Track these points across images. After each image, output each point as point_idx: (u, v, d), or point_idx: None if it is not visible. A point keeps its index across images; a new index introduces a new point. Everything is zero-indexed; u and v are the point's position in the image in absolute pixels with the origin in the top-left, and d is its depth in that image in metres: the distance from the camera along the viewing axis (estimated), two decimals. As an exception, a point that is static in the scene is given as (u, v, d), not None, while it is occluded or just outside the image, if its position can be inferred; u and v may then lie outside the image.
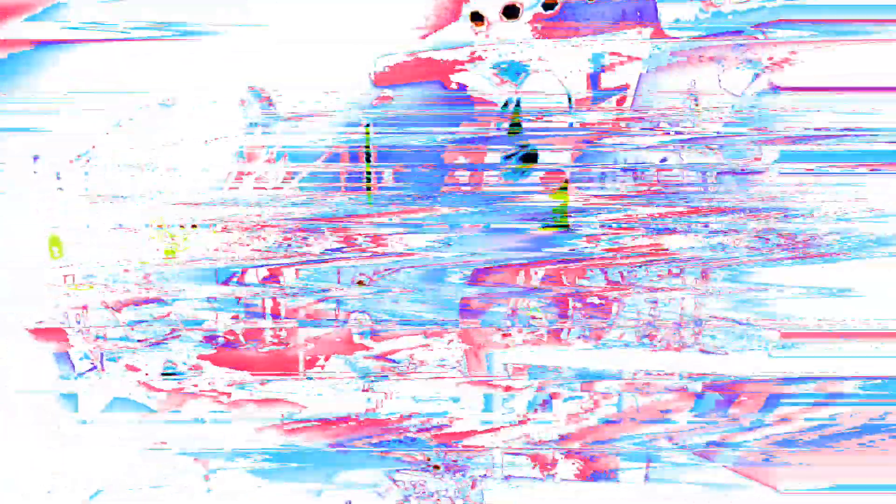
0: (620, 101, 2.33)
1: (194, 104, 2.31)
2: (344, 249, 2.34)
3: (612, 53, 2.30)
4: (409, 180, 2.33)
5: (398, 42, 2.30)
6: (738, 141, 2.30)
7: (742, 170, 2.30)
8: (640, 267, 2.33)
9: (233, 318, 2.37)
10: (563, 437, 2.37)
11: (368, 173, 2.33)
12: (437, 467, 2.38)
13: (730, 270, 2.32)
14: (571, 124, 2.31)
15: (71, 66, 2.30)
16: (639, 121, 2.31)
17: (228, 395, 2.37)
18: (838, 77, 2.27)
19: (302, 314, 2.37)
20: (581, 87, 2.32)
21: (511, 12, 2.30)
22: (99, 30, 2.29)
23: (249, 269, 2.38)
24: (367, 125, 2.33)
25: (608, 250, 2.33)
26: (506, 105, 2.32)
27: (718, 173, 2.31)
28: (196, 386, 2.37)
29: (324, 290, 2.36)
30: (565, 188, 2.33)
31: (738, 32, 2.27)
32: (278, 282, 2.37)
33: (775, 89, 2.28)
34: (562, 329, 2.36)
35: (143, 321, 2.36)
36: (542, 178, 2.33)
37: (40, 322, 2.35)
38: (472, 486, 2.38)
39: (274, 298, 2.37)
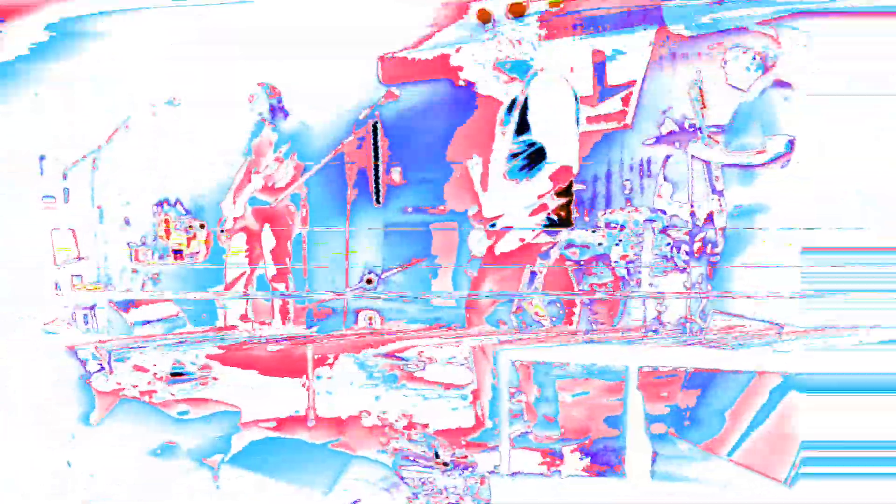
0: (627, 99, 2.34)
1: (201, 103, 2.31)
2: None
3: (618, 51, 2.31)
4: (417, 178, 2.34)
5: (406, 40, 2.31)
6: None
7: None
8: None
9: (241, 317, 2.37)
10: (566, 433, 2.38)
11: (377, 171, 2.34)
12: (445, 464, 2.38)
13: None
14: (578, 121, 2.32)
15: (79, 64, 2.29)
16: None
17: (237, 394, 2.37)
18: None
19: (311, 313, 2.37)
20: (587, 85, 2.33)
21: (517, 12, 2.31)
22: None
23: (256, 270, 2.38)
24: (375, 123, 2.33)
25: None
26: (512, 104, 2.33)
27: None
28: (205, 385, 2.37)
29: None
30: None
31: (744, 29, 2.28)
32: (286, 282, 2.37)
33: (781, 84, 2.29)
34: (567, 325, 2.36)
35: (150, 321, 2.36)
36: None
37: (48, 322, 2.34)
38: (481, 483, 2.39)
39: (283, 298, 2.38)
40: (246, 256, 2.39)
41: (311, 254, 2.36)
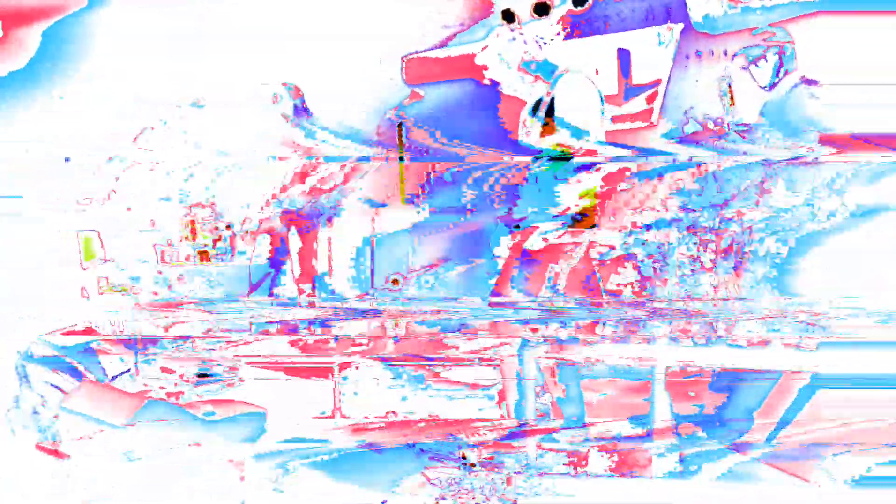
0: (651, 98, 2.33)
1: (226, 103, 2.31)
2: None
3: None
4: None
5: (429, 40, 2.31)
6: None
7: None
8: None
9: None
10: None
11: (401, 172, 2.34)
12: (472, 465, 2.38)
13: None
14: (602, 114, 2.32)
15: (104, 66, 2.30)
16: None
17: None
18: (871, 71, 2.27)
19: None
20: (612, 84, 2.32)
21: (541, 10, 2.30)
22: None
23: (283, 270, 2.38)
24: (400, 123, 2.33)
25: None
26: (537, 105, 2.32)
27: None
28: (231, 386, 2.37)
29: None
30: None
31: (767, 28, 2.28)
32: (311, 283, 2.37)
33: (809, 82, 2.29)
34: (593, 324, 2.36)
35: (177, 323, 2.36)
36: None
37: (74, 324, 2.35)
38: (507, 483, 2.38)
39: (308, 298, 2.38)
40: (269, 258, 2.39)
41: (337, 254, 2.36)
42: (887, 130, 2.28)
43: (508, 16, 2.31)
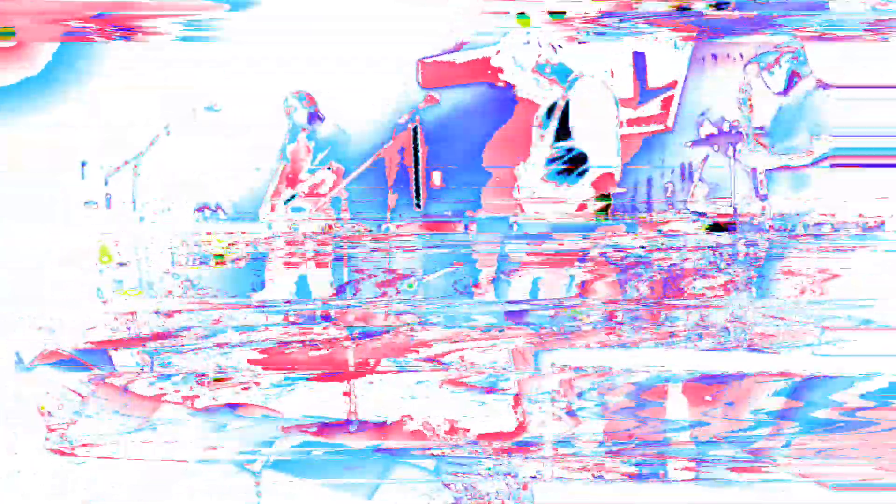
0: (667, 101, 2.33)
1: (241, 108, 2.32)
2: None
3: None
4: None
5: (445, 43, 2.31)
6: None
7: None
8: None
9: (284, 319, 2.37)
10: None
11: (417, 175, 2.34)
12: (488, 469, 2.37)
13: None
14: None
15: (118, 70, 2.31)
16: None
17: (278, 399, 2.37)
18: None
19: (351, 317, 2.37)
20: (627, 88, 2.32)
21: (557, 14, 2.31)
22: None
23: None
24: (416, 127, 2.33)
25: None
26: (551, 108, 2.32)
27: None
28: (247, 389, 2.37)
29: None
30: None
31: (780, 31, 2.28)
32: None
33: (824, 86, 2.28)
34: (608, 328, 2.35)
35: (192, 327, 2.36)
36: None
37: (91, 328, 2.35)
38: (523, 489, 2.37)
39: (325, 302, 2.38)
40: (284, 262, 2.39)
41: (351, 257, 2.36)
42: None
43: (523, 19, 2.32)
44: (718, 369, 2.34)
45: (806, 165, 2.30)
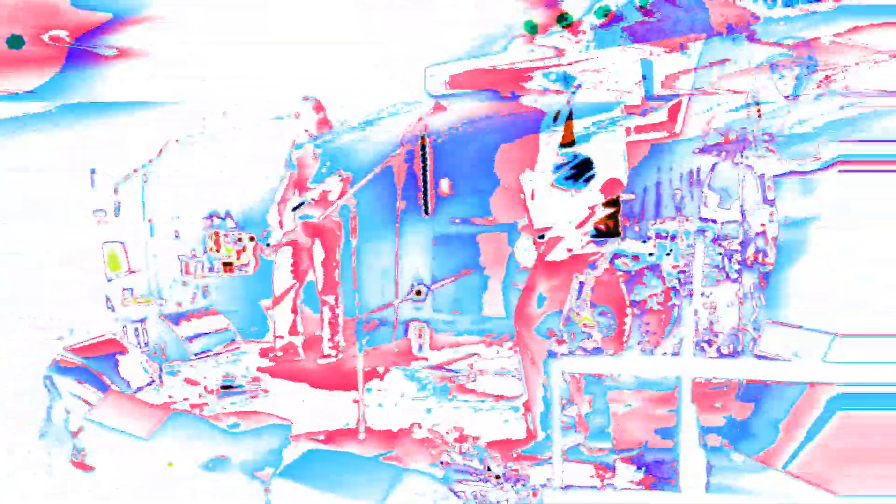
0: (675, 108, 2.33)
1: (249, 116, 2.32)
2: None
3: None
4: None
5: (453, 52, 2.31)
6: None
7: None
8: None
9: (290, 329, 2.37)
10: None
11: (425, 183, 2.34)
12: (497, 477, 2.36)
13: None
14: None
15: (129, 80, 2.31)
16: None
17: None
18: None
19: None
20: (635, 95, 2.33)
21: (564, 21, 2.31)
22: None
23: (304, 283, 2.38)
24: (423, 135, 2.33)
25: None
26: (556, 116, 2.33)
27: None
28: (255, 398, 2.36)
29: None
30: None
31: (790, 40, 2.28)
32: (335, 294, 2.37)
33: (832, 92, 2.29)
34: (619, 336, 2.35)
35: (201, 335, 2.36)
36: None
37: (100, 335, 2.35)
38: (533, 496, 2.36)
39: (332, 309, 2.38)
40: (291, 270, 2.40)
41: (361, 265, 2.36)
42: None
43: (533, 27, 2.32)
44: (728, 376, 2.33)
45: (814, 170, 2.30)
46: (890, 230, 2.29)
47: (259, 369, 2.36)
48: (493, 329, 2.36)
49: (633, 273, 2.34)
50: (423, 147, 2.33)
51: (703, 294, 2.33)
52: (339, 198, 2.36)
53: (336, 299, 2.37)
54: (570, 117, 2.32)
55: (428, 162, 2.34)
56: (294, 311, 2.38)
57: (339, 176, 2.36)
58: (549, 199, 2.34)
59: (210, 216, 2.34)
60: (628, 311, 2.34)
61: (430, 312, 2.36)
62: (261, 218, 2.36)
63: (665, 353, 2.34)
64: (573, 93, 2.31)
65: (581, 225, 2.34)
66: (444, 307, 2.36)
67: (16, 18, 2.27)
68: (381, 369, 2.37)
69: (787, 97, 2.30)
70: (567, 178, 2.34)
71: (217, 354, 2.35)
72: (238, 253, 2.34)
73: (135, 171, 2.32)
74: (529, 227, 2.35)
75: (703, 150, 2.33)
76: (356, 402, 2.36)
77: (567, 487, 2.37)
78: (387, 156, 2.35)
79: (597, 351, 2.35)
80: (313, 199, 2.36)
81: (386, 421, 2.37)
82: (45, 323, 2.32)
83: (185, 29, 2.30)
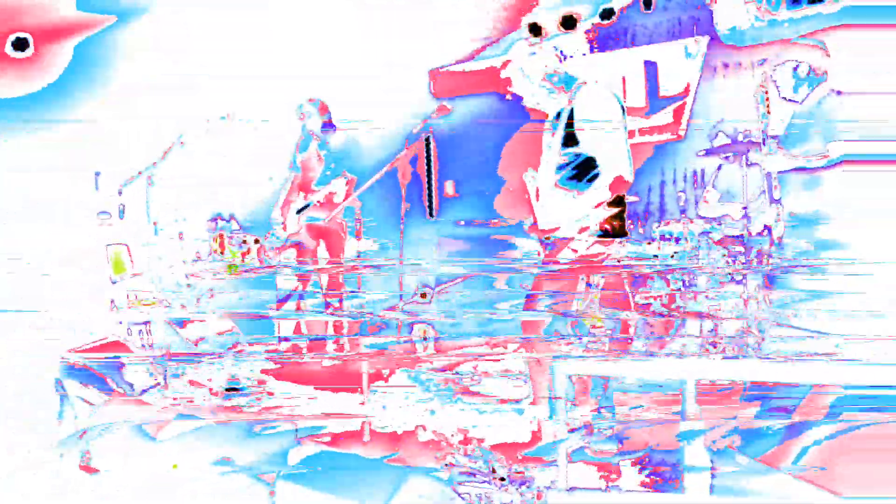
0: (679, 110, 2.33)
1: (254, 118, 2.32)
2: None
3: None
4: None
5: (457, 53, 2.32)
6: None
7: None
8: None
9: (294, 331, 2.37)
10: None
11: (430, 185, 2.34)
12: (502, 479, 2.36)
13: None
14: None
15: (132, 80, 2.31)
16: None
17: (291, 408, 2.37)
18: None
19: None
20: (639, 96, 2.33)
21: (569, 23, 2.31)
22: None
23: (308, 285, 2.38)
24: (428, 137, 2.33)
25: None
26: (558, 116, 2.33)
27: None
28: (260, 400, 2.36)
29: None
30: None
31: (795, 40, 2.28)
32: (339, 296, 2.37)
33: (837, 93, 2.29)
34: (625, 337, 2.35)
35: (206, 337, 2.36)
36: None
37: (103, 338, 2.35)
38: (538, 498, 2.36)
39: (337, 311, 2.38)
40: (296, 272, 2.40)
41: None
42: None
43: (535, 29, 2.32)
44: (733, 378, 2.33)
45: (820, 168, 2.30)
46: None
47: (263, 371, 2.36)
48: (499, 331, 2.36)
49: (638, 275, 2.34)
50: (427, 149, 2.33)
51: (707, 296, 2.34)
52: (344, 200, 2.37)
53: (340, 301, 2.37)
54: (571, 118, 2.33)
55: (432, 164, 2.34)
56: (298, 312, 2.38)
57: (345, 178, 2.36)
58: (553, 200, 2.34)
59: (214, 218, 2.34)
60: (633, 313, 2.34)
61: (434, 314, 2.36)
62: (265, 220, 2.36)
63: (670, 355, 2.34)
64: (575, 94, 2.31)
65: (584, 230, 2.34)
66: (448, 309, 2.36)
67: (20, 20, 2.27)
68: (385, 371, 2.37)
69: (791, 98, 2.30)
70: (570, 179, 2.34)
71: (222, 356, 2.35)
72: (243, 255, 2.34)
73: (139, 173, 2.32)
74: (535, 227, 2.35)
75: (708, 152, 2.34)
76: (361, 404, 2.36)
77: (572, 489, 2.36)
78: (391, 158, 2.35)
79: (602, 353, 2.35)
80: (318, 202, 2.36)
81: (390, 423, 2.36)
82: (47, 324, 2.32)
83: (189, 30, 2.30)
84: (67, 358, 2.32)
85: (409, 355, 2.36)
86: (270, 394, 2.36)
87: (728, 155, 2.32)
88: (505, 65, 2.32)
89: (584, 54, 2.31)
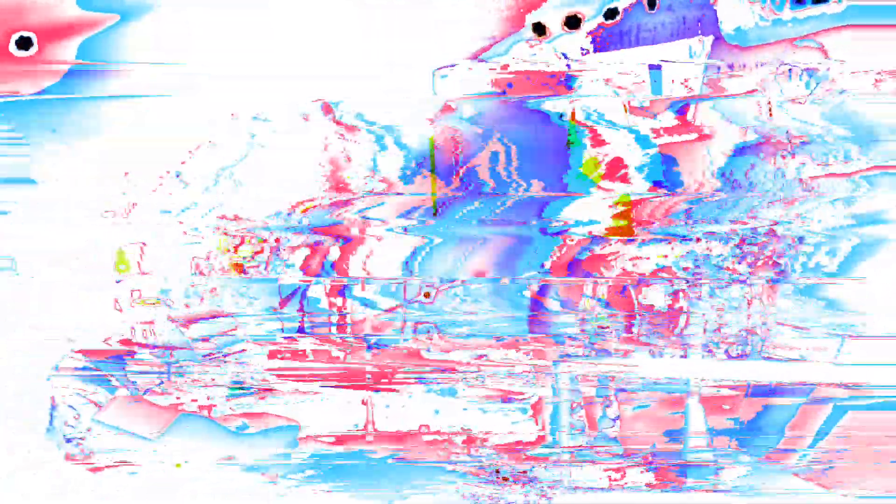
0: (683, 111, 2.34)
1: (268, 119, 2.32)
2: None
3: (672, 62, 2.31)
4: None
5: (462, 53, 2.32)
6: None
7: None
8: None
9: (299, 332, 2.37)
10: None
11: (434, 183, 2.34)
12: (506, 479, 2.36)
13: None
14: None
15: (135, 81, 2.32)
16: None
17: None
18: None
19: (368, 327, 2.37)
20: (643, 98, 2.33)
21: (573, 23, 2.32)
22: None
23: (314, 284, 2.38)
24: (432, 136, 2.33)
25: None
26: (561, 116, 2.33)
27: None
28: (263, 399, 2.36)
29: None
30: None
31: (799, 40, 2.29)
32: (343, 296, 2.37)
33: (841, 91, 2.29)
34: (628, 338, 2.35)
35: (210, 336, 2.35)
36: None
37: (108, 338, 2.35)
38: (542, 497, 2.36)
39: (340, 310, 2.38)
40: (301, 271, 2.39)
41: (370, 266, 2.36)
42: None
43: (539, 29, 2.32)
44: (736, 377, 2.33)
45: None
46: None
47: (267, 370, 2.36)
48: (503, 330, 2.36)
49: (643, 274, 2.35)
50: (431, 148, 2.34)
51: (711, 296, 2.34)
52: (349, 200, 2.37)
53: (344, 301, 2.37)
54: (573, 118, 2.33)
55: (437, 162, 2.34)
56: (302, 312, 2.38)
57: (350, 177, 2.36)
58: (560, 201, 2.34)
59: (220, 217, 2.34)
60: (637, 312, 2.35)
61: (438, 314, 2.36)
62: (277, 219, 2.36)
63: (673, 356, 2.35)
64: (578, 94, 2.31)
65: (594, 226, 2.34)
66: (453, 308, 2.36)
67: (24, 19, 2.27)
68: (389, 370, 2.37)
69: (796, 99, 2.30)
70: (577, 179, 2.34)
71: (226, 356, 2.35)
72: (248, 254, 2.34)
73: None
74: (542, 227, 2.35)
75: (714, 154, 2.34)
76: (364, 403, 2.36)
77: (576, 489, 2.36)
78: (396, 158, 2.35)
79: (607, 353, 2.35)
80: (330, 201, 2.36)
81: (394, 422, 2.36)
82: (49, 323, 2.32)
83: (191, 31, 2.30)
84: (70, 357, 2.32)
85: (412, 355, 2.36)
86: (274, 393, 2.36)
87: (735, 156, 2.32)
88: (505, 67, 2.32)
89: (587, 54, 2.31)
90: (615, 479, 2.36)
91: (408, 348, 2.36)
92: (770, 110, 2.29)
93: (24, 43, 2.28)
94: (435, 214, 2.35)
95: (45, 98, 2.29)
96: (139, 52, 2.30)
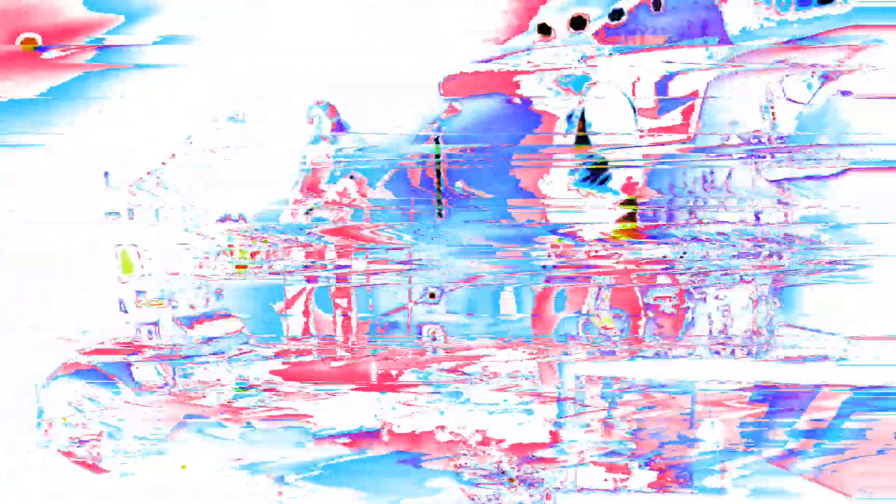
0: (688, 111, 2.34)
1: (263, 118, 2.32)
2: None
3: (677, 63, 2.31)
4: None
5: (467, 55, 2.32)
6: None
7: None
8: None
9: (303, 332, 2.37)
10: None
11: (439, 188, 2.34)
12: (511, 480, 2.36)
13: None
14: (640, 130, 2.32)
15: (140, 82, 2.32)
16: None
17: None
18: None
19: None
20: (648, 98, 2.33)
21: (578, 24, 2.32)
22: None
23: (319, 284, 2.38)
24: (437, 139, 2.33)
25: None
26: (570, 118, 2.33)
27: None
28: (271, 398, 2.36)
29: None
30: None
31: (803, 40, 2.28)
32: (348, 297, 2.37)
33: (845, 93, 2.29)
34: (633, 339, 2.35)
35: (215, 337, 2.35)
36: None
37: (112, 339, 2.35)
38: (547, 499, 2.36)
39: (345, 312, 2.38)
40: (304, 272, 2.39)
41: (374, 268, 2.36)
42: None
43: (544, 29, 2.32)
44: (742, 379, 2.33)
45: (832, 175, 2.30)
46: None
47: (272, 372, 2.36)
48: (508, 332, 2.36)
49: (647, 276, 2.35)
50: (436, 149, 2.33)
51: (716, 297, 2.33)
52: (353, 201, 2.36)
53: (349, 302, 2.37)
54: (582, 119, 2.33)
55: (442, 164, 2.34)
56: (307, 313, 2.38)
57: (353, 178, 2.36)
58: (565, 202, 2.34)
59: (223, 219, 2.34)
60: (642, 314, 2.34)
61: (443, 315, 2.36)
62: (275, 220, 2.36)
63: (679, 357, 2.34)
64: (585, 95, 2.31)
65: (598, 227, 2.34)
66: (457, 310, 2.36)
67: (29, 20, 2.27)
68: (394, 372, 2.37)
69: (797, 101, 2.30)
70: (584, 180, 2.34)
71: (230, 357, 2.35)
72: (252, 255, 2.34)
73: (148, 173, 2.32)
74: (547, 229, 2.35)
75: (718, 155, 2.34)
76: (370, 404, 2.36)
77: (581, 490, 2.36)
78: (401, 158, 2.35)
79: (612, 354, 2.35)
80: (327, 202, 2.36)
81: (399, 424, 2.36)
82: (53, 324, 2.32)
83: (194, 31, 2.30)
84: (75, 358, 2.32)
85: (418, 356, 2.36)
86: (279, 394, 2.36)
87: (737, 157, 2.32)
88: (512, 70, 2.32)
89: (592, 55, 2.31)
90: (621, 481, 2.36)
91: (412, 350, 2.36)
92: (773, 114, 2.29)
93: (28, 43, 2.28)
94: (440, 217, 2.35)
95: (44, 98, 2.30)
96: (141, 53, 2.31)
